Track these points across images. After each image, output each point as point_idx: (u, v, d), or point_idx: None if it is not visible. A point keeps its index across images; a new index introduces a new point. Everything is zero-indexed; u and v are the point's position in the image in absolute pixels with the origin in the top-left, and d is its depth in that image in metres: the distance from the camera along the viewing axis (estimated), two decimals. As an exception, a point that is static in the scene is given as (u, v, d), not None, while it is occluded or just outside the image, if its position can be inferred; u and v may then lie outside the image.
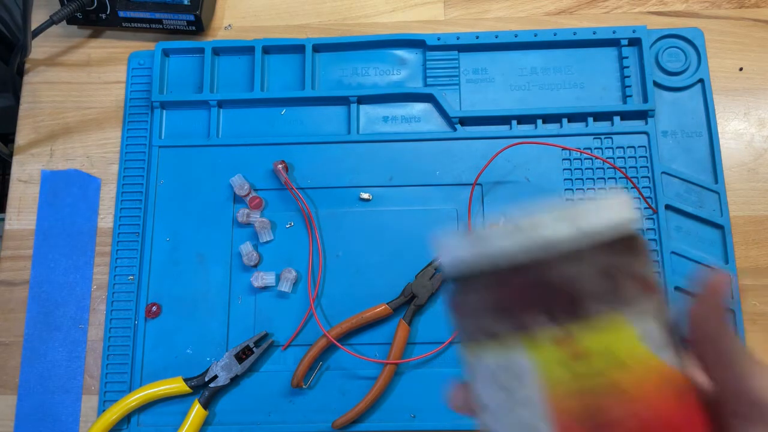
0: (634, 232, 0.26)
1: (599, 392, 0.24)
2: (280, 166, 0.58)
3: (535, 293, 0.24)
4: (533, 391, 0.25)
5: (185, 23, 0.63)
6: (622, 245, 0.26)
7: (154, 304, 0.57)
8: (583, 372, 0.25)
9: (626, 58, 0.60)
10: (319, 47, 0.62)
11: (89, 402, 0.56)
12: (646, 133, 0.58)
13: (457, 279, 0.26)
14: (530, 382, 0.25)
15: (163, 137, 0.61)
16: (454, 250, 0.25)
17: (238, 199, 0.59)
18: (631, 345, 0.25)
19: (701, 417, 0.26)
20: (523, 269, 0.24)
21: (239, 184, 0.58)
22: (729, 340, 0.28)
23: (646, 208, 0.57)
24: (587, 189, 0.58)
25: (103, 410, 0.54)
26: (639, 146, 0.58)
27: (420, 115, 0.60)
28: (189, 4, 0.62)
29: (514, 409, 0.26)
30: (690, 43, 0.60)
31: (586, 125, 0.59)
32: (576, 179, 0.58)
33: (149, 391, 0.54)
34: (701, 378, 0.28)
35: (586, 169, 0.58)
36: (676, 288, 0.55)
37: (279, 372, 0.55)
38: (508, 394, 0.26)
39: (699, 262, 0.56)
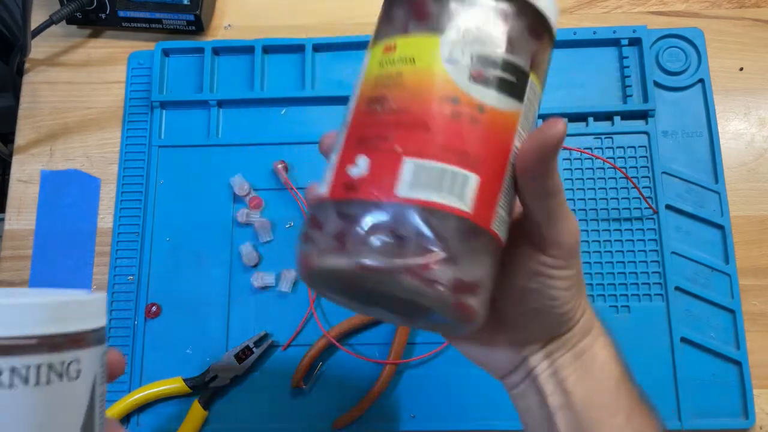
0: None
1: (388, 83, 0.30)
2: (280, 166, 0.58)
3: (397, 11, 0.31)
4: (359, 80, 0.31)
5: (185, 23, 0.63)
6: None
7: (154, 304, 0.57)
8: (386, 63, 0.30)
9: (626, 57, 0.60)
10: (319, 47, 0.61)
11: (89, 402, 0.56)
12: (646, 133, 0.58)
13: None
14: (360, 73, 0.31)
15: (162, 137, 0.61)
16: None
17: (238, 199, 0.59)
18: (428, 51, 0.29)
19: (467, 136, 0.29)
20: None
21: (239, 184, 0.58)
22: (549, 182, 0.30)
23: (646, 208, 0.57)
24: (588, 189, 0.58)
25: (103, 410, 0.54)
26: (639, 146, 0.58)
27: (420, 115, 0.60)
28: (189, 3, 0.62)
29: (347, 105, 0.31)
30: (690, 43, 0.60)
31: (587, 125, 0.59)
32: (576, 179, 0.58)
33: (149, 391, 0.54)
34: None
35: (586, 168, 0.58)
36: (677, 288, 0.55)
37: (279, 372, 0.55)
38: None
39: (699, 262, 0.55)
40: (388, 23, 0.32)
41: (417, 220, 0.28)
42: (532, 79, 0.31)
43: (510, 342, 0.34)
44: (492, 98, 0.30)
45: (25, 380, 0.24)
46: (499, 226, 0.30)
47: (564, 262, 0.31)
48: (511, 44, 0.30)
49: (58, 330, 0.25)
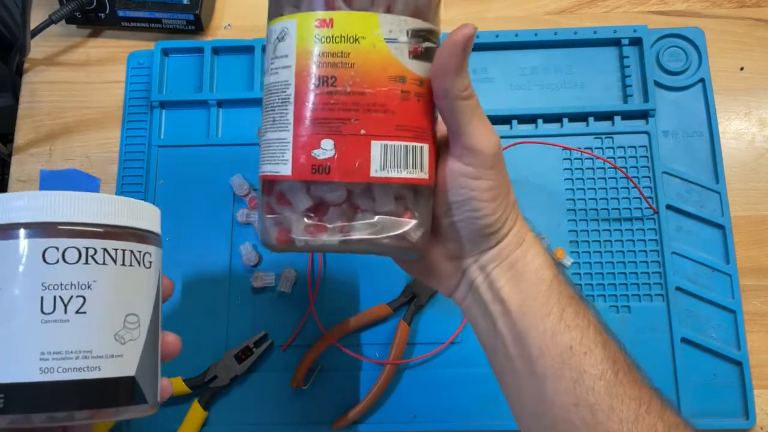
0: None
1: (335, 62, 0.32)
2: (279, 165, 0.58)
3: None
4: (290, 51, 0.33)
5: (184, 23, 0.63)
6: None
7: (153, 305, 0.56)
8: (325, 40, 0.32)
9: (627, 57, 0.60)
10: (319, 47, 0.61)
11: (89, 402, 0.56)
12: (646, 132, 0.58)
13: None
14: (289, 42, 0.33)
15: (162, 137, 0.61)
16: None
17: (238, 199, 0.59)
18: (370, 30, 0.32)
19: (416, 112, 0.33)
20: None
21: (239, 184, 0.58)
22: (459, 81, 0.32)
23: (646, 208, 0.57)
24: (588, 189, 0.58)
25: (103, 411, 0.54)
26: (640, 146, 0.58)
27: (420, 115, 0.60)
28: (188, 3, 0.62)
29: (275, 71, 0.34)
30: (691, 42, 0.60)
31: (587, 125, 0.59)
32: (576, 179, 0.58)
33: (149, 391, 0.54)
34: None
35: (586, 168, 0.58)
36: (677, 288, 0.55)
37: (279, 372, 0.55)
38: (272, 54, 0.34)
39: (700, 262, 0.55)
40: None
41: (391, 195, 0.33)
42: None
43: (447, 256, 0.37)
44: (426, 69, 0.34)
45: (114, 260, 0.31)
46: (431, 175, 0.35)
47: (482, 171, 0.33)
48: (428, 10, 0.34)
49: (140, 225, 0.33)
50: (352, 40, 0.32)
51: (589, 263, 0.56)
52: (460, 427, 0.53)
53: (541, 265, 0.36)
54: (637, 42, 0.60)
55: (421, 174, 0.33)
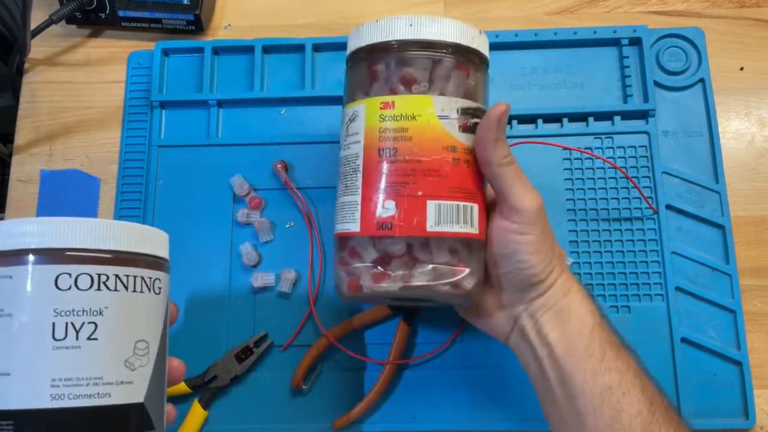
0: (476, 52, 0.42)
1: (396, 136, 0.39)
2: (279, 166, 0.58)
3: (387, 74, 0.40)
4: (360, 129, 0.40)
5: (185, 23, 0.63)
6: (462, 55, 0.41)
7: (153, 305, 0.56)
8: (387, 118, 0.39)
9: (627, 57, 0.60)
10: (319, 47, 0.61)
11: (89, 402, 0.56)
12: (646, 132, 0.58)
13: (352, 55, 0.42)
14: (359, 123, 0.40)
15: (162, 137, 0.61)
16: (360, 38, 0.41)
17: (238, 199, 0.59)
18: (425, 109, 0.39)
19: (466, 176, 0.39)
20: (390, 51, 0.40)
21: (239, 184, 0.58)
22: (499, 150, 0.38)
23: (646, 208, 0.57)
24: (588, 189, 0.58)
25: (103, 411, 0.54)
26: (639, 146, 0.58)
27: (420, 115, 0.60)
28: (188, 3, 0.62)
29: (348, 146, 0.41)
30: (691, 42, 0.60)
31: (587, 125, 0.59)
32: (576, 179, 0.58)
33: (149, 391, 0.54)
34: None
35: (586, 168, 0.58)
36: (677, 288, 0.55)
37: (279, 372, 0.55)
38: (345, 133, 0.42)
39: (700, 262, 0.55)
40: (378, 83, 0.40)
41: (445, 247, 0.38)
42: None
43: (500, 305, 0.42)
44: (472, 140, 0.40)
45: (125, 286, 0.32)
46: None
47: (526, 227, 0.38)
48: (476, 92, 0.41)
49: (151, 251, 0.34)
50: (410, 118, 0.39)
51: (589, 263, 0.56)
52: (460, 427, 0.53)
53: (585, 312, 0.40)
54: (637, 42, 0.60)
55: (471, 229, 0.39)
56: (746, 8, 0.63)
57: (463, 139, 0.39)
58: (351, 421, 0.53)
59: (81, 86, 0.64)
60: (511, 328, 0.42)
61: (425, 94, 0.39)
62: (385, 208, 0.38)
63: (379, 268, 0.38)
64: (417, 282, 0.38)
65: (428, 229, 0.38)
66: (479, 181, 0.40)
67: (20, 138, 0.63)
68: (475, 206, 0.39)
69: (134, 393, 0.31)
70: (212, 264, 0.57)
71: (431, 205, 0.38)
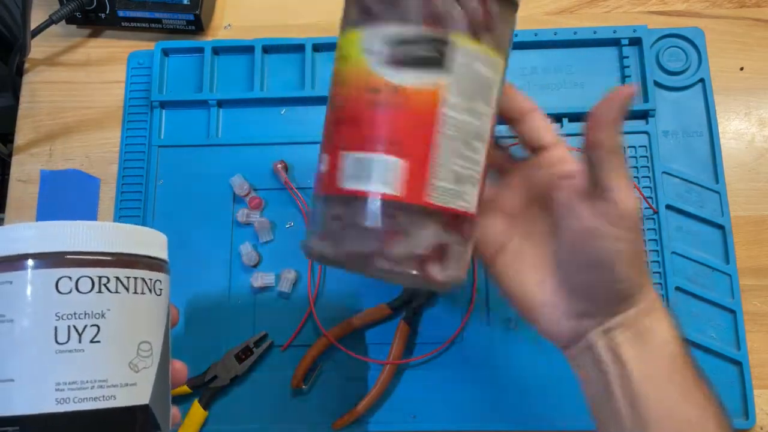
0: None
1: (332, 82, 0.34)
2: (280, 166, 0.58)
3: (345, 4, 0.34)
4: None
5: (185, 23, 0.63)
6: None
7: (153, 305, 0.56)
8: (336, 61, 0.34)
9: (627, 57, 0.60)
10: (319, 47, 0.61)
11: (89, 402, 0.56)
12: (646, 132, 0.58)
13: None
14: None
15: (162, 137, 0.61)
16: None
17: (238, 199, 0.59)
18: (354, 47, 0.32)
19: (393, 124, 0.32)
20: None
21: (239, 184, 0.58)
22: (617, 136, 0.32)
23: (646, 208, 0.57)
24: (588, 189, 0.58)
25: (103, 411, 0.54)
26: (639, 146, 0.58)
27: (420, 115, 0.60)
28: (188, 3, 0.62)
29: None
30: (691, 42, 0.60)
31: (587, 125, 0.59)
32: (576, 179, 0.58)
33: (149, 391, 0.54)
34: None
35: (586, 169, 0.58)
36: (677, 288, 0.55)
37: (279, 372, 0.55)
38: None
39: (700, 262, 0.55)
40: (344, 17, 0.34)
41: (359, 209, 0.32)
42: (463, 43, 0.32)
43: (573, 313, 0.35)
44: (408, 78, 0.31)
45: (126, 288, 0.31)
46: (441, 196, 0.32)
47: (625, 233, 0.32)
48: (426, 16, 0.31)
49: (151, 253, 0.34)
50: (342, 59, 0.34)
51: (589, 263, 0.56)
52: (460, 427, 0.53)
53: (669, 337, 0.35)
54: (637, 42, 0.60)
55: (388, 189, 0.31)
56: (746, 8, 0.63)
57: (391, 77, 0.31)
58: (351, 421, 0.53)
59: (81, 86, 0.64)
60: (575, 339, 0.36)
61: (356, 28, 0.33)
62: (321, 162, 0.34)
63: (322, 228, 0.33)
64: (346, 247, 0.32)
65: (340, 184, 0.32)
66: (412, 130, 0.32)
67: (20, 138, 0.63)
68: (398, 162, 0.31)
69: (139, 394, 0.31)
70: (212, 264, 0.57)
71: (345, 157, 0.32)
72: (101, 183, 0.61)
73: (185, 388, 0.54)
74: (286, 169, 0.58)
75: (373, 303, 0.55)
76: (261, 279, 0.56)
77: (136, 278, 0.32)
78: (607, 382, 0.35)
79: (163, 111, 0.62)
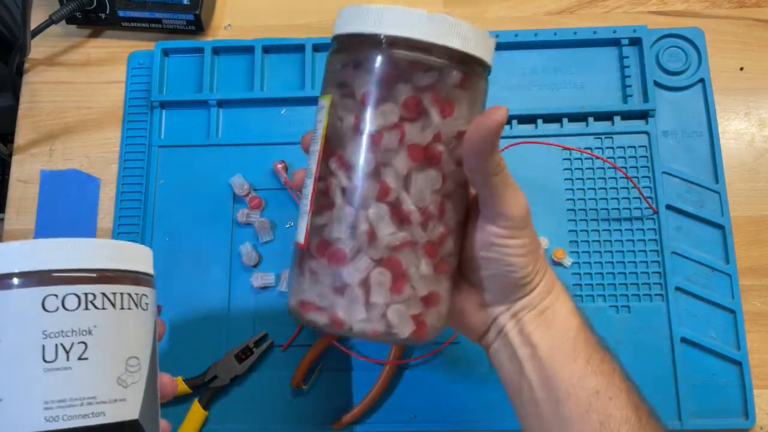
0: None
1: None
2: (280, 166, 0.58)
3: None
4: (322, 120, 0.37)
5: (185, 23, 0.63)
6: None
7: (153, 305, 0.56)
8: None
9: (627, 57, 0.60)
10: (319, 47, 0.61)
11: (89, 402, 0.56)
12: (646, 132, 0.58)
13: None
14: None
15: (162, 137, 0.61)
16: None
17: (238, 199, 0.59)
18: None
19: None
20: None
21: (239, 184, 0.58)
22: (492, 161, 0.33)
23: (646, 208, 0.57)
24: (588, 189, 0.58)
25: (103, 410, 0.54)
26: (639, 146, 0.58)
27: (420, 115, 0.60)
28: (189, 3, 0.62)
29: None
30: (690, 42, 0.60)
31: (587, 125, 0.59)
32: (576, 179, 0.58)
33: (149, 391, 0.54)
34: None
35: (586, 168, 0.58)
36: (677, 288, 0.55)
37: (279, 372, 0.55)
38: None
39: (699, 262, 0.55)
40: None
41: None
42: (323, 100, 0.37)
43: (480, 305, 0.38)
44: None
45: (113, 304, 0.31)
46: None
47: (515, 232, 0.35)
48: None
49: (136, 268, 0.33)
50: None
51: (589, 263, 0.56)
52: (460, 427, 0.53)
53: (569, 312, 0.38)
54: (636, 42, 0.60)
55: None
56: (746, 8, 0.63)
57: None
58: (351, 421, 0.53)
59: (81, 86, 0.64)
60: (487, 327, 0.39)
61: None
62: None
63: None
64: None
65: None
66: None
67: (20, 138, 0.63)
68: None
69: (128, 410, 0.31)
70: (212, 264, 0.57)
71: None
72: (101, 183, 0.61)
73: (185, 388, 0.54)
74: (286, 169, 0.58)
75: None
76: (261, 279, 0.56)
77: (122, 294, 0.32)
78: (520, 367, 0.37)
79: (163, 111, 0.62)
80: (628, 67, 0.60)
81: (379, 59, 0.32)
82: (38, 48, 0.64)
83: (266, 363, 0.55)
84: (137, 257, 0.34)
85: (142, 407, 0.32)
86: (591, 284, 0.56)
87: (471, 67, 0.33)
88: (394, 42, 0.32)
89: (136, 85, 0.62)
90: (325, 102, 0.36)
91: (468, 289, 0.39)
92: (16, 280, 0.30)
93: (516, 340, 0.37)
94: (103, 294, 0.31)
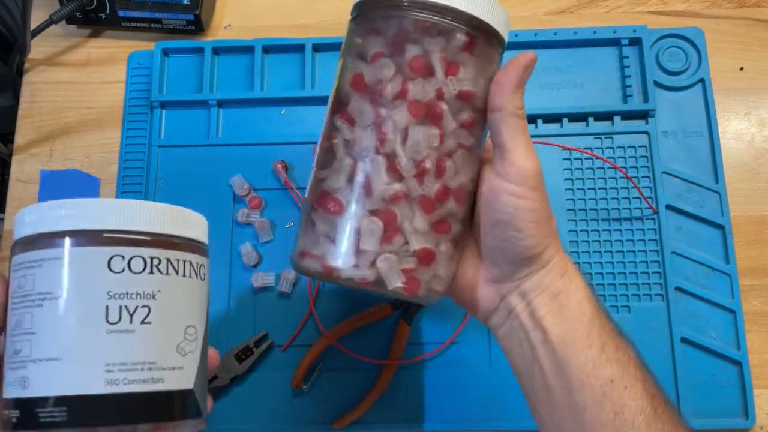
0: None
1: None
2: (280, 166, 0.58)
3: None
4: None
5: (185, 23, 0.63)
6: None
7: (153, 305, 0.56)
8: None
9: (627, 57, 0.60)
10: (319, 47, 0.61)
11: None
12: (646, 132, 0.58)
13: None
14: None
15: (162, 137, 0.61)
16: None
17: (238, 199, 0.59)
18: None
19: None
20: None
21: (239, 184, 0.58)
22: (510, 111, 0.34)
23: (646, 208, 0.57)
24: (588, 189, 0.58)
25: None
26: (639, 146, 0.58)
27: (420, 115, 0.60)
28: (189, 3, 0.62)
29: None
30: (690, 42, 0.60)
31: (587, 125, 0.59)
32: (576, 179, 0.58)
33: (149, 391, 0.54)
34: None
35: (586, 168, 0.58)
36: (677, 288, 0.55)
37: (279, 372, 0.55)
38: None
39: (699, 262, 0.55)
40: None
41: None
42: None
43: (489, 280, 0.37)
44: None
45: (176, 271, 0.31)
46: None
47: (526, 191, 0.34)
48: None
49: (199, 237, 0.34)
50: None
51: (589, 263, 0.56)
52: (460, 427, 0.53)
53: (583, 297, 0.36)
54: (636, 42, 0.60)
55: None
56: (746, 8, 0.63)
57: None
58: (351, 421, 0.53)
59: (81, 86, 0.64)
60: (496, 306, 0.37)
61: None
62: None
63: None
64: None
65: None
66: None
67: (20, 138, 0.63)
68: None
69: (185, 379, 0.31)
70: (212, 264, 0.57)
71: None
72: (101, 183, 0.61)
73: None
74: (286, 169, 0.58)
75: (373, 303, 0.55)
76: (261, 279, 0.56)
77: (185, 261, 0.32)
78: (532, 352, 0.36)
79: (163, 111, 0.62)
80: (628, 67, 0.60)
81: (392, 21, 0.34)
82: (38, 48, 0.64)
83: (266, 363, 0.55)
84: (199, 226, 0.34)
85: (197, 378, 0.32)
86: (591, 284, 0.55)
87: (479, 33, 0.34)
88: (407, 5, 0.33)
89: (136, 85, 0.62)
90: (337, 66, 0.37)
91: (476, 262, 0.37)
92: (82, 239, 0.29)
93: (528, 324, 0.36)
94: (168, 260, 0.31)
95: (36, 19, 0.63)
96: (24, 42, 0.59)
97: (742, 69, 0.61)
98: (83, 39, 0.66)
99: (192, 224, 0.33)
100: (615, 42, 0.60)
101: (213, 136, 0.60)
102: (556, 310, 0.36)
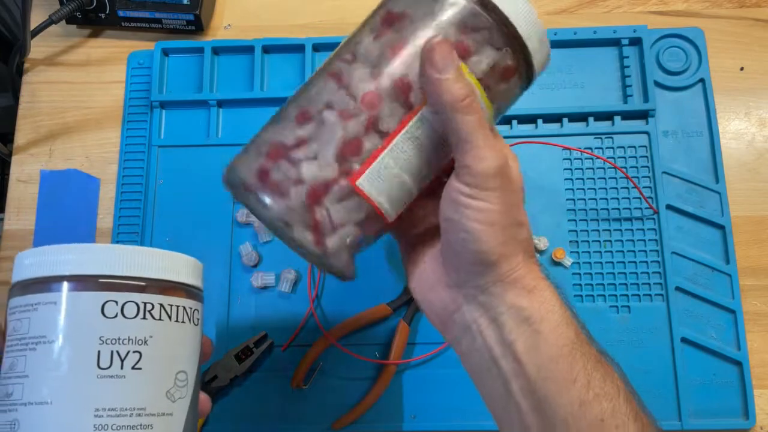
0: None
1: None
2: (279, 165, 0.58)
3: None
4: None
5: (185, 23, 0.63)
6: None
7: (153, 305, 0.56)
8: None
9: (627, 57, 0.60)
10: (319, 47, 0.61)
11: (89, 402, 0.56)
12: (646, 132, 0.58)
13: None
14: None
15: (162, 137, 0.61)
16: None
17: (237, 199, 0.59)
18: None
19: None
20: None
21: (239, 184, 0.58)
22: (454, 104, 0.30)
23: (646, 208, 0.57)
24: (588, 189, 0.58)
25: (103, 411, 0.54)
26: (640, 146, 0.58)
27: (420, 115, 0.60)
28: (188, 3, 0.62)
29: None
30: (691, 42, 0.60)
31: (587, 125, 0.59)
32: (576, 179, 0.58)
33: (149, 391, 0.54)
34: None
35: (586, 168, 0.58)
36: (677, 288, 0.55)
37: (279, 373, 0.55)
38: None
39: (700, 262, 0.55)
40: None
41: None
42: None
43: (444, 282, 0.34)
44: None
45: (169, 316, 0.31)
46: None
47: (477, 192, 0.30)
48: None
49: (192, 282, 0.33)
50: None
51: (589, 263, 0.56)
52: (460, 427, 0.53)
53: (560, 321, 0.32)
54: (636, 42, 0.60)
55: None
56: (746, 8, 0.63)
57: None
58: (351, 421, 0.53)
59: (81, 86, 0.64)
60: (451, 314, 0.34)
61: None
62: None
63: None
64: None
65: None
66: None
67: (20, 138, 0.63)
68: None
69: (174, 425, 0.31)
70: (212, 264, 0.57)
71: None
72: (101, 183, 0.61)
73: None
74: (286, 169, 0.58)
75: (373, 303, 0.55)
76: (261, 279, 0.56)
77: (178, 306, 0.32)
78: (506, 382, 0.32)
79: (163, 111, 0.62)
80: (628, 67, 0.60)
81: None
82: (38, 48, 0.64)
83: (266, 363, 0.55)
84: (193, 271, 0.33)
85: (186, 423, 0.31)
86: (591, 284, 0.55)
87: (513, 52, 0.35)
88: None
89: (136, 85, 0.62)
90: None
91: (435, 257, 0.34)
92: (77, 284, 0.29)
93: (496, 349, 0.32)
94: (161, 305, 0.31)
95: (36, 19, 0.63)
96: (24, 42, 0.59)
97: (742, 69, 0.61)
98: (83, 39, 0.66)
99: (187, 269, 0.33)
100: (615, 42, 0.60)
101: (213, 136, 0.60)
102: (530, 338, 0.31)
